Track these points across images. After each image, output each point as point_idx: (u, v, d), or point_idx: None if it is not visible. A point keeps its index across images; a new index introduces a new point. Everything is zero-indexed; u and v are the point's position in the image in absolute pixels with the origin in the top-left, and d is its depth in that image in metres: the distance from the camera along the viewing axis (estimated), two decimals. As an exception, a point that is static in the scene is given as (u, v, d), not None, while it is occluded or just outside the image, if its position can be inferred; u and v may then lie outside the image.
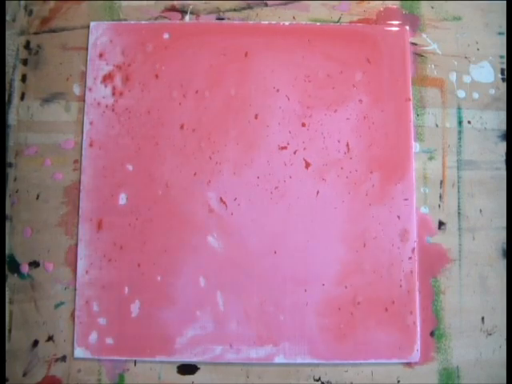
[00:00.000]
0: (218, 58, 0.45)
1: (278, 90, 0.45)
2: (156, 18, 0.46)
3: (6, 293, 0.44)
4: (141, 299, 0.43)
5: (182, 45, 0.45)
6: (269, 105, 0.45)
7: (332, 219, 0.43)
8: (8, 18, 0.47)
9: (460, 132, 0.45)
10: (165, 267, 0.43)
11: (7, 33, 0.46)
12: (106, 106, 0.45)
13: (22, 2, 0.47)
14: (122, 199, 0.44)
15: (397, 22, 0.46)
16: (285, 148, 0.44)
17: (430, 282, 0.44)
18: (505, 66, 0.46)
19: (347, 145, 0.44)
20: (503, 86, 0.46)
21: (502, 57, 0.46)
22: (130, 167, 0.44)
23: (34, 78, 0.46)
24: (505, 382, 0.42)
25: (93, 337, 0.43)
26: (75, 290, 0.43)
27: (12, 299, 0.44)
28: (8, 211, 0.45)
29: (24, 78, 0.46)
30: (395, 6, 0.47)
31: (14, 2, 0.47)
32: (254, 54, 0.45)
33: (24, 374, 0.43)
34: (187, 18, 0.47)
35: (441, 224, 0.44)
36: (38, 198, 0.45)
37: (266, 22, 0.46)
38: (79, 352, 0.43)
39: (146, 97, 0.45)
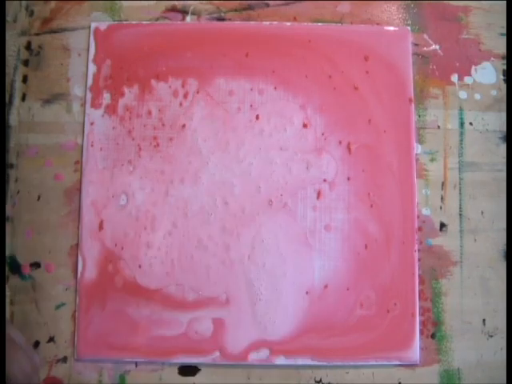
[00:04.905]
0: (219, 59, 0.45)
1: (278, 91, 0.45)
2: (157, 19, 0.46)
3: (7, 294, 0.44)
4: (142, 301, 0.43)
5: (182, 45, 0.45)
6: (270, 105, 0.45)
7: (333, 221, 0.43)
8: (9, 18, 0.46)
9: (462, 133, 0.45)
10: (165, 269, 0.43)
11: (8, 33, 0.46)
12: (107, 107, 0.45)
13: (23, 3, 0.47)
14: (123, 200, 0.44)
15: (398, 23, 0.46)
16: (286, 149, 0.44)
17: (431, 284, 0.43)
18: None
19: (348, 146, 0.44)
20: (505, 88, 0.46)
21: (504, 58, 0.46)
22: (130, 167, 0.44)
23: (35, 78, 0.46)
24: (505, 384, 0.42)
25: (94, 338, 0.43)
26: (76, 290, 0.43)
27: (13, 300, 0.44)
28: (9, 212, 0.44)
29: (25, 79, 0.46)
30: (396, 7, 0.47)
31: (14, 3, 0.47)
32: (255, 54, 0.45)
33: (25, 375, 0.43)
34: (188, 18, 0.46)
35: (442, 226, 0.44)
36: (39, 199, 0.45)
37: (267, 23, 0.46)
38: (80, 353, 0.43)
39: (147, 97, 0.45)
